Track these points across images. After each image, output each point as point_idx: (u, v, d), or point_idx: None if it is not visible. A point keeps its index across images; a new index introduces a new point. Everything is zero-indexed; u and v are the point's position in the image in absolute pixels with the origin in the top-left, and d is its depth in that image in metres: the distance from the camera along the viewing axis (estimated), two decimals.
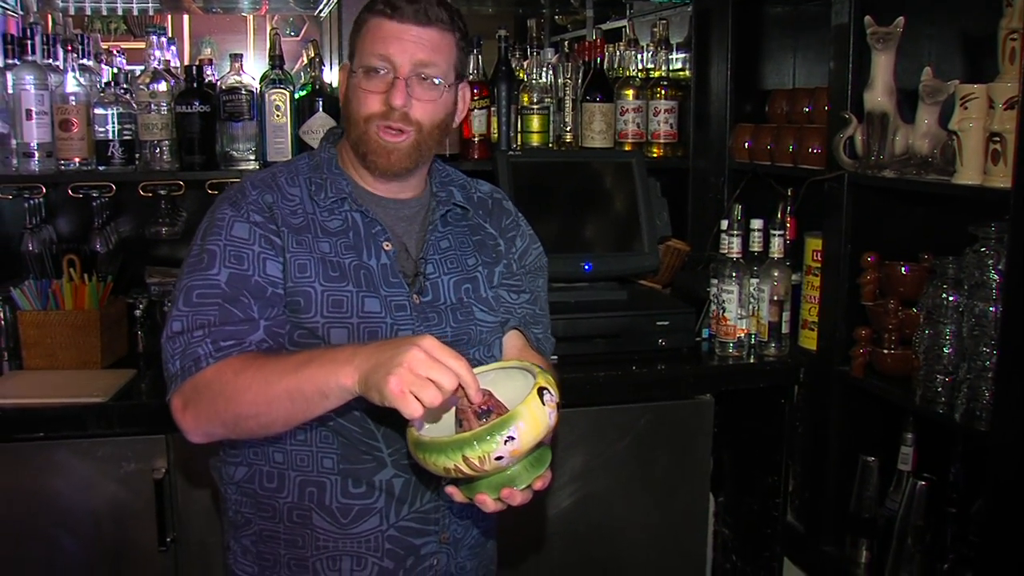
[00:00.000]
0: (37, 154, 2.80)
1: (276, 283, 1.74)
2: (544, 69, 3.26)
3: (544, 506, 2.73)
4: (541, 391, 1.44)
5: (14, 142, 2.82)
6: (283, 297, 1.74)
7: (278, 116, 2.91)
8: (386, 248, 1.82)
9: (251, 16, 3.93)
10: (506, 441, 1.40)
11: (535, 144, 3.16)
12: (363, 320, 1.76)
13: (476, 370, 1.53)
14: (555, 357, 2.62)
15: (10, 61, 2.86)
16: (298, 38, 4.18)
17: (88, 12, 3.38)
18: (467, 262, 1.91)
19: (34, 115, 2.79)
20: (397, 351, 1.43)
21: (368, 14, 1.78)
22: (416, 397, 1.40)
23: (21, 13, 3.16)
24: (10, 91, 2.80)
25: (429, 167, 1.94)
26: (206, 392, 1.64)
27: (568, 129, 3.25)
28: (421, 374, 1.41)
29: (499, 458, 1.41)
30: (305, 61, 3.32)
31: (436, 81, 1.75)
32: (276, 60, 2.95)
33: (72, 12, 3.32)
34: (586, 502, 2.77)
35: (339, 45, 2.95)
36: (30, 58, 2.82)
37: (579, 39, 3.73)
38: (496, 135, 3.14)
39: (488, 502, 1.52)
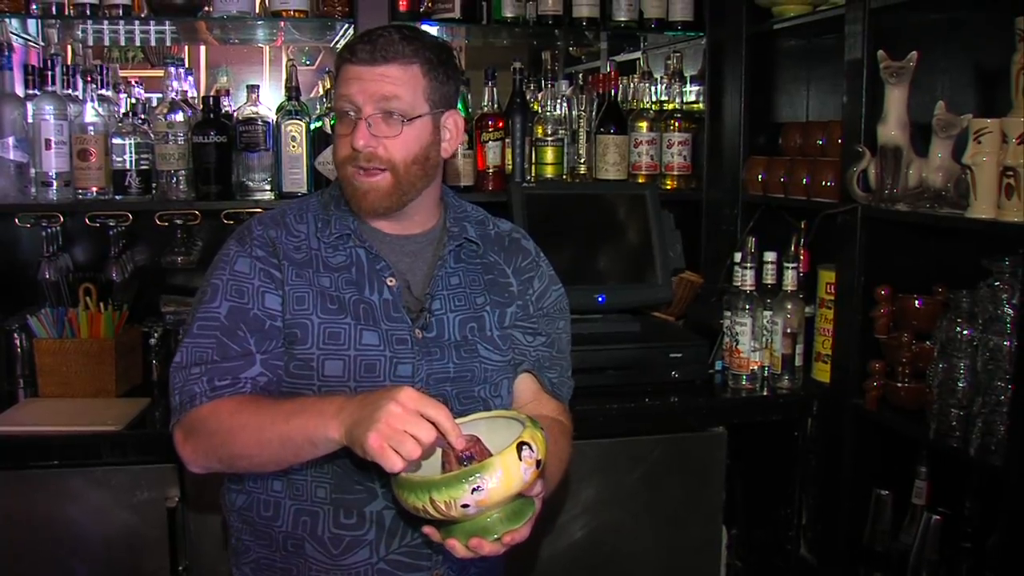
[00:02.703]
0: (55, 183, 2.83)
1: (275, 316, 1.78)
2: (558, 101, 3.27)
3: (557, 537, 2.72)
4: (521, 446, 1.44)
5: (33, 171, 2.86)
6: (281, 330, 1.78)
7: (294, 147, 2.93)
8: (389, 284, 1.83)
9: (267, 47, 3.97)
10: (473, 491, 1.41)
11: (549, 176, 3.17)
12: (360, 352, 1.78)
13: (474, 416, 1.62)
14: None
15: (31, 91, 2.89)
16: (313, 67, 4.20)
17: (107, 43, 3.40)
18: (476, 300, 1.90)
19: (53, 145, 2.82)
20: (376, 407, 1.47)
21: (338, 61, 1.81)
22: (396, 451, 1.44)
23: (43, 44, 3.20)
24: (30, 121, 2.83)
25: (443, 201, 1.95)
26: (203, 429, 1.71)
27: (582, 161, 3.26)
28: (399, 428, 1.44)
29: (465, 506, 1.43)
30: (321, 91, 3.34)
31: (398, 117, 1.75)
32: (292, 91, 2.98)
33: (91, 43, 3.34)
34: (598, 534, 2.76)
35: None
36: (50, 88, 2.85)
37: (593, 71, 3.75)
38: (511, 167, 3.15)
39: (458, 547, 1.53)
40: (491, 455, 1.47)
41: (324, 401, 1.60)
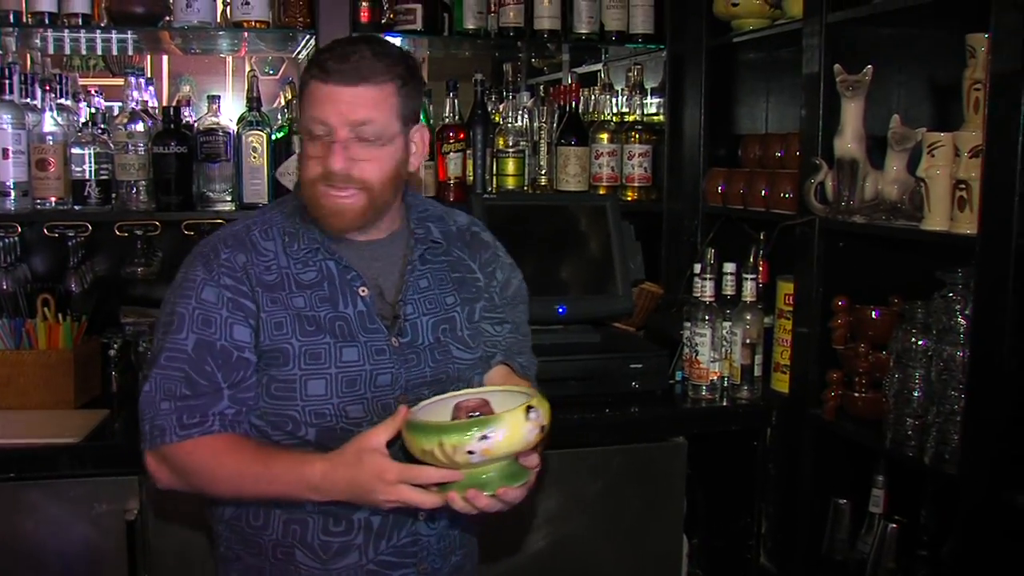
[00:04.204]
0: (13, 193, 2.80)
1: (242, 347, 1.77)
2: (520, 112, 3.29)
3: (518, 548, 2.73)
4: (529, 408, 1.53)
5: None
6: (250, 361, 1.77)
7: (255, 158, 2.93)
8: (362, 294, 1.83)
9: (230, 57, 3.95)
10: (480, 439, 1.50)
11: (510, 187, 3.18)
12: (341, 369, 1.79)
13: (485, 389, 1.76)
14: None
15: None
16: (276, 77, 4.19)
17: (67, 51, 3.38)
18: (446, 301, 1.92)
19: (11, 154, 2.79)
20: (365, 490, 1.62)
21: (306, 76, 1.77)
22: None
23: (0, 51, 3.17)
24: None
25: (404, 201, 1.95)
26: (181, 465, 1.75)
27: (543, 172, 3.27)
28: (400, 502, 1.61)
29: (470, 452, 1.51)
30: (283, 102, 3.34)
31: (375, 139, 1.74)
32: (254, 102, 2.97)
33: (51, 51, 3.32)
34: (560, 544, 2.76)
35: None
36: (8, 97, 2.83)
37: (555, 83, 3.77)
38: (472, 178, 3.16)
39: (456, 500, 1.58)
40: None
41: (303, 467, 1.67)
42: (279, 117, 3.17)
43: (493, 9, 3.15)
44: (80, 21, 2.83)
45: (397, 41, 3.14)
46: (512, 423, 1.51)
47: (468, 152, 3.15)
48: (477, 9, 3.11)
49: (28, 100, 2.93)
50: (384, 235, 1.91)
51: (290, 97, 3.06)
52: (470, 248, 2.00)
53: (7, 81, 2.83)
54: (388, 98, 1.75)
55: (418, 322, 1.87)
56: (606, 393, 2.83)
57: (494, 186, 3.19)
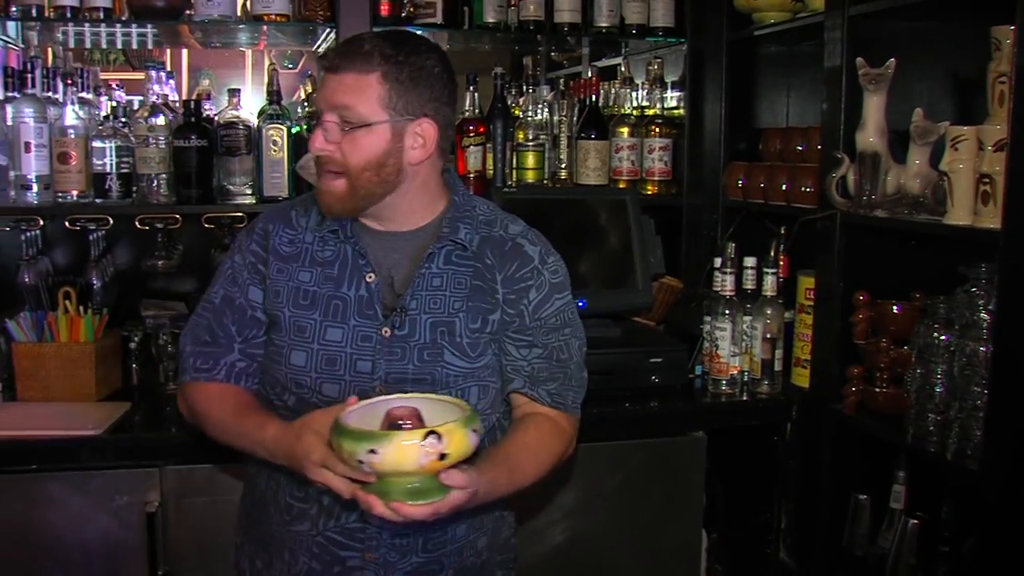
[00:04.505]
0: (35, 186, 2.82)
1: (256, 307, 1.94)
2: (540, 106, 3.28)
3: (537, 542, 2.73)
4: (429, 434, 1.53)
5: (12, 174, 2.84)
6: (262, 321, 1.94)
7: (275, 151, 2.94)
8: (368, 280, 1.89)
9: (249, 50, 3.96)
10: (369, 452, 1.53)
11: (530, 181, 3.18)
12: (322, 347, 1.88)
13: (422, 397, 1.72)
14: None
15: (10, 94, 2.88)
16: (296, 70, 4.19)
17: (88, 45, 3.39)
18: (453, 304, 1.90)
19: (33, 148, 2.81)
20: (298, 464, 1.71)
21: (320, 66, 1.91)
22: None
23: (22, 46, 3.18)
24: (9, 123, 2.82)
25: (451, 200, 1.95)
26: (189, 404, 1.99)
27: (563, 166, 3.26)
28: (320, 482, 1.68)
29: (360, 462, 1.54)
30: (303, 95, 3.34)
31: (347, 123, 1.80)
32: (274, 96, 2.98)
33: (72, 45, 3.33)
34: (579, 538, 2.76)
35: None
36: (30, 91, 2.84)
37: (574, 76, 3.75)
38: (491, 171, 3.16)
39: (361, 498, 1.62)
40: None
41: (261, 429, 1.81)
42: (299, 111, 3.18)
43: (513, 2, 3.14)
44: (101, 15, 2.84)
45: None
46: (402, 446, 1.52)
47: (488, 146, 3.14)
48: (497, 2, 3.10)
49: (50, 94, 2.94)
50: (411, 228, 1.93)
51: (310, 91, 3.06)
52: (503, 258, 1.94)
53: (29, 75, 2.84)
54: (371, 86, 1.79)
55: (418, 319, 1.87)
56: (626, 387, 2.83)
57: (514, 180, 3.19)
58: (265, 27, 3.05)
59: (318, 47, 3.40)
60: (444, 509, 1.61)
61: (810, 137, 2.98)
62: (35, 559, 2.47)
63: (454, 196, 1.97)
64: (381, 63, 1.79)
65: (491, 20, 3.11)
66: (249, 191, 2.98)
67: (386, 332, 1.86)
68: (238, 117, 2.96)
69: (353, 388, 1.84)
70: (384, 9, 2.99)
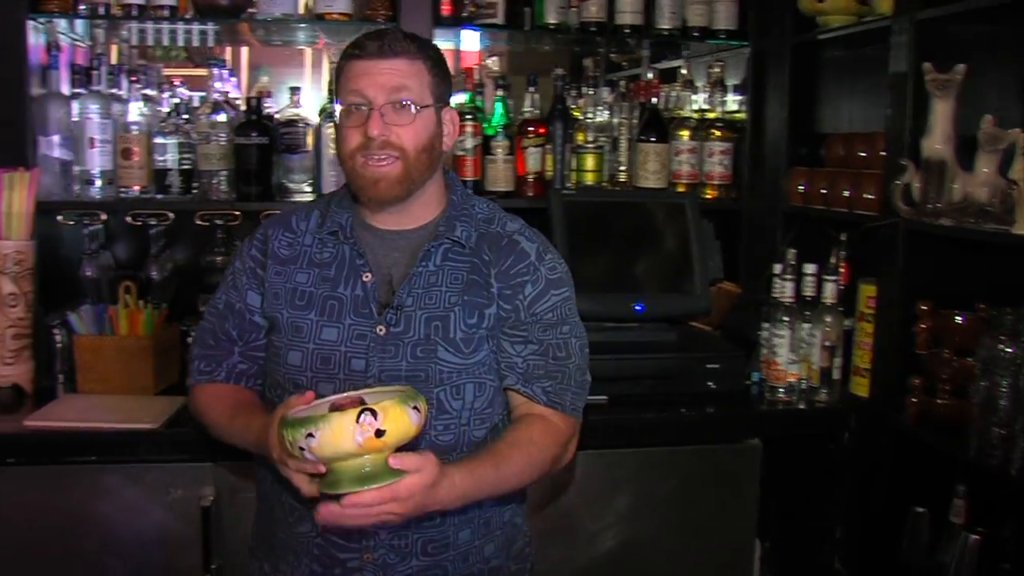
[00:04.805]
0: (99, 181, 2.87)
1: (254, 311, 2.00)
2: (600, 108, 3.26)
3: (589, 547, 2.72)
4: (364, 412, 1.54)
5: (76, 169, 2.89)
6: (260, 324, 2.00)
7: (334, 149, 2.94)
8: (364, 279, 1.92)
9: (309, 48, 3.98)
10: (307, 436, 1.55)
11: (589, 183, 3.16)
12: (318, 346, 1.91)
13: (368, 391, 1.71)
14: (604, 397, 2.67)
15: (76, 90, 2.92)
16: None
17: (151, 43, 3.43)
18: (449, 299, 1.91)
19: (97, 143, 2.86)
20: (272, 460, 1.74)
21: (342, 59, 1.91)
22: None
23: (89, 43, 3.22)
24: (75, 119, 2.86)
25: (449, 198, 1.99)
26: (193, 404, 2.07)
27: (623, 168, 3.24)
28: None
29: (302, 449, 1.56)
30: None
31: (410, 105, 1.84)
32: (333, 94, 2.98)
33: (135, 42, 3.37)
34: (630, 544, 2.74)
35: None
36: (95, 88, 2.88)
37: (634, 78, 3.73)
38: (550, 173, 3.15)
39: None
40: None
41: (248, 426, 1.87)
42: None
43: (575, 4, 3.13)
44: (167, 13, 2.87)
45: (476, 35, 3.18)
46: (338, 424, 1.54)
47: (547, 147, 3.13)
48: (559, 3, 3.09)
49: (114, 91, 2.98)
50: (413, 226, 1.96)
51: None
52: (500, 253, 1.95)
53: (95, 72, 2.89)
54: (420, 72, 1.87)
55: (414, 315, 1.89)
56: (681, 392, 2.81)
57: (573, 182, 3.17)
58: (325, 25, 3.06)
59: None
60: (402, 494, 1.62)
61: (874, 143, 2.93)
62: (93, 549, 2.50)
63: (452, 196, 2.00)
64: (424, 51, 1.89)
65: (552, 21, 3.11)
66: (308, 188, 3.01)
67: (380, 330, 1.88)
68: (298, 115, 2.98)
69: (347, 387, 1.85)
70: (445, 9, 3.00)
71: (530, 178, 3.11)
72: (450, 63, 2.65)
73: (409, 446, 1.64)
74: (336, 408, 1.60)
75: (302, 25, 3.09)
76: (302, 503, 1.85)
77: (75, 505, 2.49)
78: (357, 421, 1.53)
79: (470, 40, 3.42)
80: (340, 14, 2.92)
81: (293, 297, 1.94)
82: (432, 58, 1.90)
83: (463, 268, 1.94)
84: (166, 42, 3.64)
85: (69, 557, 2.49)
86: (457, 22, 3.02)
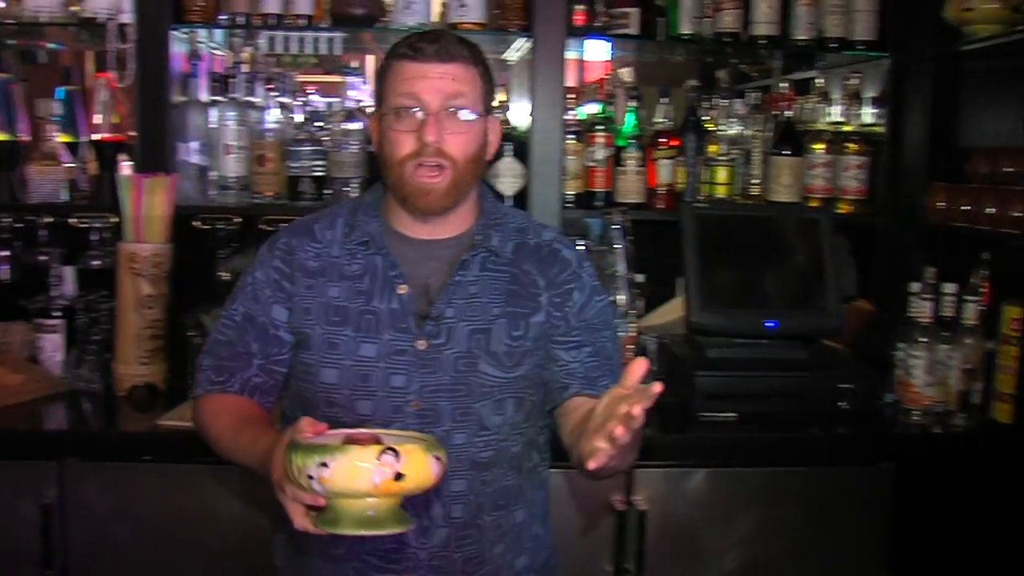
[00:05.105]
0: (233, 187, 2.91)
1: (278, 326, 1.91)
2: (732, 120, 3.21)
3: (709, 567, 2.66)
4: (386, 450, 1.43)
5: (213, 174, 2.94)
6: (284, 340, 1.91)
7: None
8: (400, 292, 1.86)
9: None
10: (319, 465, 1.42)
11: (720, 196, 3.11)
12: (356, 363, 1.84)
13: (386, 432, 1.58)
14: (734, 414, 2.65)
15: (214, 97, 2.98)
16: None
17: (281, 51, 3.48)
18: (491, 311, 1.88)
19: (233, 150, 2.91)
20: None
21: (392, 59, 1.84)
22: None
23: (227, 52, 3.30)
24: (212, 126, 2.92)
25: (483, 206, 1.95)
26: (197, 416, 1.93)
27: (755, 182, 3.18)
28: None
29: (310, 477, 1.43)
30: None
31: (466, 113, 1.80)
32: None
33: (267, 51, 3.43)
34: (753, 567, 2.67)
35: (531, 88, 2.96)
36: (232, 95, 2.94)
37: (764, 89, 3.67)
38: (681, 185, 3.10)
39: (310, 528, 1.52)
40: None
41: (255, 444, 1.70)
42: None
43: (709, 14, 3.08)
44: (305, 23, 2.92)
45: (608, 45, 3.15)
46: (357, 458, 1.42)
47: (679, 159, 3.09)
48: (694, 13, 3.05)
49: (250, 98, 3.04)
50: (448, 235, 1.91)
51: (504, 98, 3.07)
52: (543, 264, 1.95)
53: (232, 80, 2.95)
54: (476, 79, 1.83)
55: (455, 327, 1.85)
56: (811, 412, 2.73)
57: (704, 194, 3.13)
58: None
59: (507, 56, 3.42)
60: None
61: (1021, 159, 2.82)
62: (218, 548, 2.54)
63: (484, 204, 1.97)
64: (477, 58, 1.85)
65: (687, 32, 3.06)
66: None
67: (421, 345, 1.84)
68: None
69: (387, 404, 1.83)
70: (579, 19, 2.98)
71: (661, 190, 3.07)
72: (574, 74, 2.66)
73: (420, 498, 1.58)
74: (352, 441, 1.48)
75: None
76: None
77: (204, 502, 2.53)
78: (378, 459, 1.42)
79: (594, 50, 3.40)
80: (473, 23, 2.92)
81: (327, 312, 1.87)
82: (484, 65, 1.86)
83: (503, 278, 1.91)
84: (295, 51, 3.70)
85: (191, 555, 2.53)
86: (590, 32, 3.01)
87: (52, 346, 2.92)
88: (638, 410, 1.41)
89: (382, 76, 1.86)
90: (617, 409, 1.45)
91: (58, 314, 2.93)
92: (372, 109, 2.00)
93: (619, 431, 1.42)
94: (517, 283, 1.91)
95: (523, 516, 1.98)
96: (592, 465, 1.47)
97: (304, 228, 1.96)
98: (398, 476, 1.43)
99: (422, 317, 1.85)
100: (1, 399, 2.66)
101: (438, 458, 1.49)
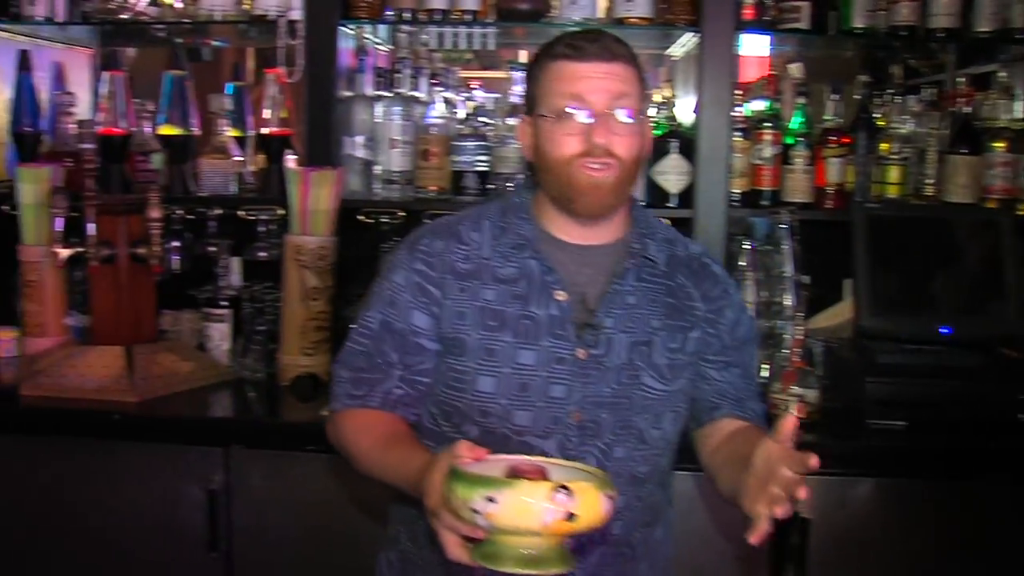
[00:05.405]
0: (398, 182, 2.94)
1: (419, 333, 1.80)
2: (906, 117, 3.09)
3: None
4: (560, 487, 1.33)
5: (378, 169, 2.98)
6: (425, 347, 1.81)
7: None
8: (558, 298, 1.79)
9: None
10: (486, 500, 1.32)
11: (892, 196, 3.00)
12: (515, 371, 1.77)
13: (550, 461, 1.51)
14: (903, 423, 2.56)
15: (379, 92, 3.01)
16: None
17: (436, 46, 3.50)
18: (650, 323, 1.82)
19: (398, 144, 2.94)
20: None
21: (548, 59, 1.77)
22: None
23: (391, 47, 3.34)
24: (377, 120, 2.96)
25: (632, 214, 1.89)
26: (336, 433, 1.85)
27: (929, 182, 3.06)
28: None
29: (474, 511, 1.34)
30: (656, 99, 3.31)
31: (631, 114, 1.75)
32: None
33: (435, 46, 3.45)
34: None
35: (697, 84, 2.91)
36: (398, 90, 2.96)
37: (935, 84, 3.53)
38: (850, 184, 3.01)
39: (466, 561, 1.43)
40: None
41: (408, 463, 1.60)
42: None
43: (883, 7, 2.97)
44: (471, 18, 2.93)
45: (766, 40, 3.18)
46: (528, 494, 1.32)
47: (848, 158, 2.99)
48: (867, 7, 2.94)
49: (414, 93, 3.06)
50: (603, 241, 1.85)
51: (669, 94, 3.02)
52: (696, 277, 1.90)
53: (398, 75, 2.98)
54: (636, 79, 1.77)
55: (615, 338, 1.79)
56: (988, 423, 2.62)
57: (874, 194, 3.02)
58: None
59: (671, 50, 3.37)
60: None
61: None
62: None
63: (634, 211, 1.90)
64: (635, 58, 1.79)
65: (859, 25, 2.95)
66: None
67: (580, 354, 1.77)
68: None
69: (546, 415, 1.76)
70: (748, 13, 2.91)
71: (830, 189, 2.98)
72: (728, 68, 2.61)
73: (584, 537, 1.49)
74: (516, 473, 1.39)
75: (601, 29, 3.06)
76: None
77: (363, 492, 2.54)
78: (550, 497, 1.32)
79: (751, 45, 3.30)
80: (640, 18, 2.88)
81: (483, 316, 1.78)
82: (639, 65, 1.80)
83: (659, 290, 1.86)
84: (452, 46, 3.73)
85: (353, 542, 2.54)
86: (759, 26, 2.94)
87: (219, 335, 3.01)
88: (803, 493, 1.41)
89: (536, 76, 1.80)
90: (778, 471, 1.43)
91: (225, 304, 3.01)
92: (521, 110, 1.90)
93: (779, 510, 1.41)
94: (673, 296, 1.87)
95: (661, 534, 1.96)
96: (754, 540, 1.44)
97: (446, 229, 1.87)
98: (570, 516, 1.33)
99: (580, 325, 1.80)
100: (171, 386, 2.76)
101: (611, 497, 1.40)
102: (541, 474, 1.40)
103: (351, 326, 1.90)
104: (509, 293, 1.80)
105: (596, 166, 1.74)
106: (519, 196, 1.91)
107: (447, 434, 1.80)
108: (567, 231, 1.84)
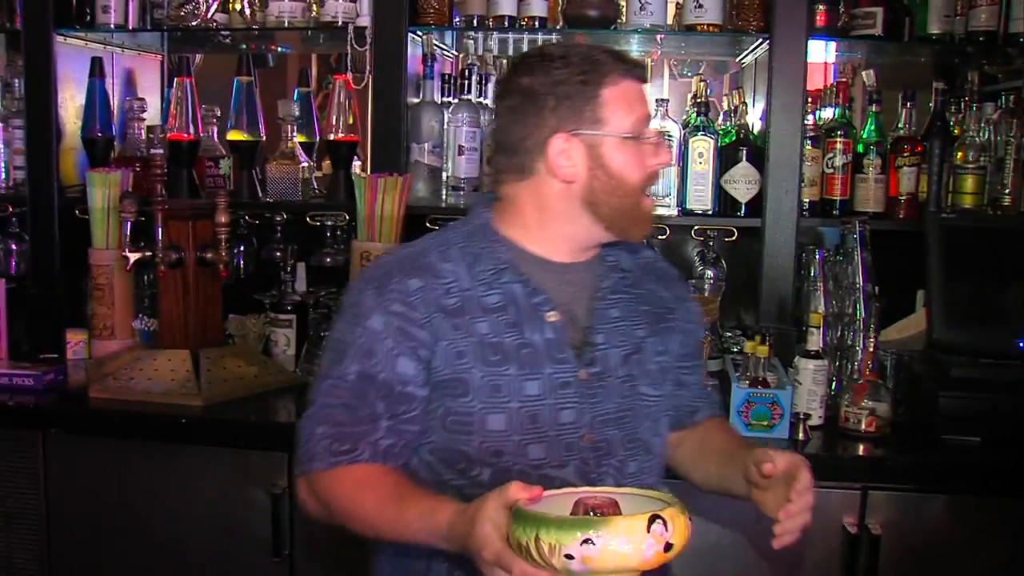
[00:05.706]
0: (466, 188, 2.94)
1: (406, 381, 1.66)
2: (983, 125, 3.03)
3: None
4: (655, 518, 1.27)
5: (445, 176, 2.98)
6: (414, 395, 1.66)
7: (700, 163, 2.89)
8: (551, 320, 1.71)
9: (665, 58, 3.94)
10: (583, 542, 1.25)
11: (967, 206, 2.94)
12: (523, 404, 1.67)
13: (614, 490, 1.46)
14: (977, 438, 2.51)
15: (446, 99, 3.01)
16: (691, 77, 4.15)
17: (496, 52, 3.49)
18: (636, 333, 1.80)
19: (465, 151, 2.93)
20: (475, 559, 1.39)
21: (617, 76, 1.67)
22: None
23: (456, 54, 3.34)
24: (445, 127, 2.95)
25: None
26: (324, 494, 1.65)
27: (1007, 192, 2.99)
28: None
29: (569, 556, 1.26)
30: (727, 106, 3.28)
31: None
32: (701, 107, 2.94)
33: (497, 52, 3.45)
34: None
35: (768, 91, 2.87)
36: (465, 96, 2.96)
37: (1012, 91, 3.45)
38: (924, 194, 2.95)
39: None
40: None
41: (434, 515, 1.48)
42: (720, 122, 3.12)
43: (961, 11, 2.91)
44: (537, 24, 2.91)
45: (832, 46, 3.16)
46: (628, 531, 1.26)
47: (922, 167, 2.94)
48: (943, 11, 2.88)
49: (481, 99, 3.06)
50: (582, 257, 1.79)
51: (740, 101, 2.99)
52: (662, 281, 1.91)
53: (466, 82, 2.97)
54: None
55: (609, 353, 1.75)
56: None
57: (948, 204, 2.96)
58: (660, 36, 3.03)
59: (742, 58, 3.33)
60: None
61: None
62: None
63: None
64: None
65: (935, 31, 2.90)
66: (668, 203, 2.96)
67: (583, 374, 1.71)
68: (664, 128, 2.94)
69: (558, 443, 1.68)
70: (820, 19, 2.87)
71: (903, 199, 2.93)
72: (799, 75, 2.57)
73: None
74: (588, 508, 1.33)
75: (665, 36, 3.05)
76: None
77: None
78: (649, 531, 1.27)
79: (816, 52, 3.24)
80: (710, 24, 2.85)
81: (484, 351, 1.67)
82: None
83: (635, 299, 1.83)
84: (511, 51, 3.72)
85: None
86: (832, 33, 2.90)
87: (284, 340, 3.03)
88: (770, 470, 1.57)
89: (594, 93, 1.66)
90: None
91: (290, 309, 3.03)
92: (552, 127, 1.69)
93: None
94: (648, 303, 1.85)
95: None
96: (778, 545, 1.55)
97: (413, 264, 1.72)
98: (667, 546, 1.29)
99: (576, 345, 1.73)
100: (236, 390, 2.77)
101: (691, 519, 1.35)
102: (615, 507, 1.35)
103: (316, 383, 1.75)
104: (502, 322, 1.70)
105: (649, 192, 1.75)
106: (479, 217, 1.80)
107: (450, 483, 1.68)
108: (558, 250, 1.76)
